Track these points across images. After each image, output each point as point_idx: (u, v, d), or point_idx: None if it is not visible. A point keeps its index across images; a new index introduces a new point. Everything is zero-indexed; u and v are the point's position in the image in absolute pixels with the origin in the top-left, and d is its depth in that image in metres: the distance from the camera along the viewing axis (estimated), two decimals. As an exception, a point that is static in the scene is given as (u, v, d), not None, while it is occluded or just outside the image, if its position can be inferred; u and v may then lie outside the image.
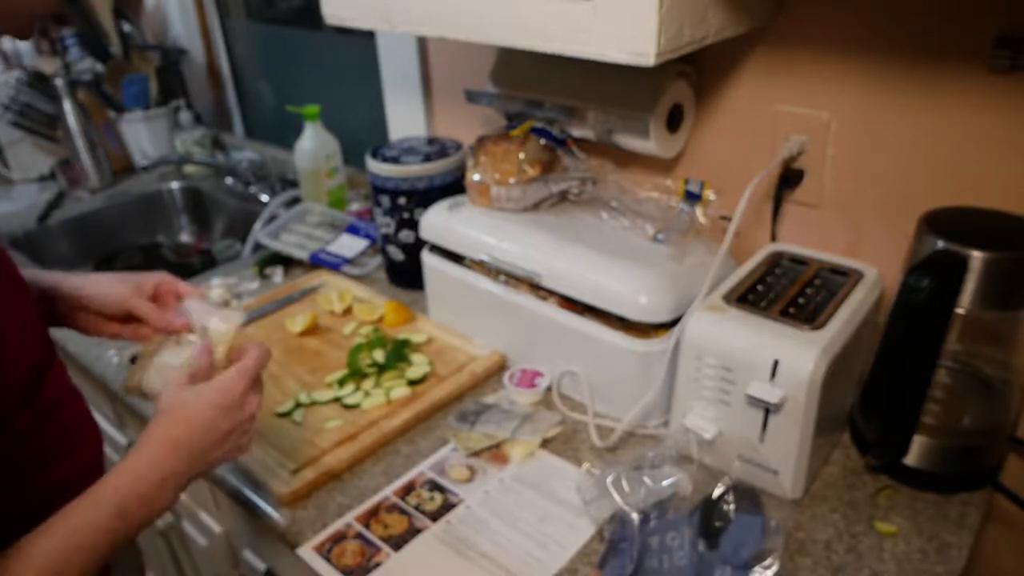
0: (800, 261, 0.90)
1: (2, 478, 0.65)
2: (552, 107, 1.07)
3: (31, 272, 0.79)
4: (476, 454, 0.90)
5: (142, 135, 1.92)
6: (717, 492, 0.76)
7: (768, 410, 0.78)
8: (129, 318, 0.82)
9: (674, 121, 1.03)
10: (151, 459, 0.64)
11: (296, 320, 1.15)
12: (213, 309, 0.79)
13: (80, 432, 0.76)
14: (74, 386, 0.76)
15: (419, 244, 1.15)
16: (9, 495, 0.66)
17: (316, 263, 1.32)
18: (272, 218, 1.47)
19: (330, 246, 1.35)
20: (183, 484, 0.66)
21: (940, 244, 0.74)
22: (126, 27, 1.91)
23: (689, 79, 1.02)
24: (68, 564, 0.58)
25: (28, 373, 0.67)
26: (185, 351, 0.77)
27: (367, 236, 1.36)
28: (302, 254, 1.34)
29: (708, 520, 0.74)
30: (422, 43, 1.38)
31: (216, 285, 1.28)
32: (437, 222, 1.09)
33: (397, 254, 1.24)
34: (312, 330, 1.15)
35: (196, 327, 0.78)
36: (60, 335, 0.96)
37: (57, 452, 0.71)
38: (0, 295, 0.66)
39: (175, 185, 1.88)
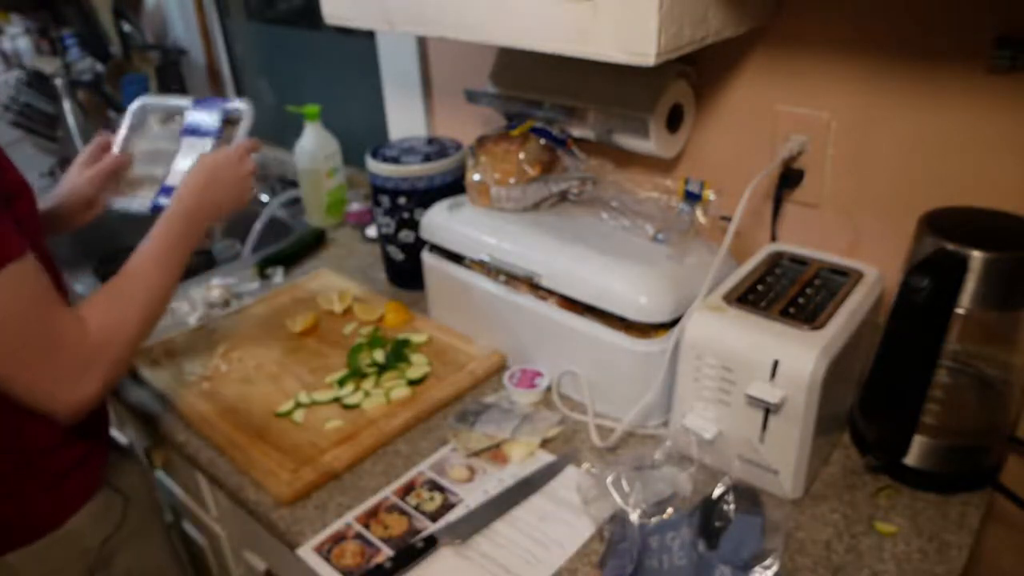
0: (800, 261, 0.90)
1: None
2: (552, 107, 1.07)
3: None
4: (476, 454, 0.90)
5: (142, 135, 1.91)
6: (717, 492, 0.76)
7: (768, 410, 0.78)
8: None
9: (674, 121, 1.03)
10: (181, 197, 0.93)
11: (296, 320, 1.15)
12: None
13: None
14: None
15: (419, 244, 1.15)
16: None
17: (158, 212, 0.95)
18: (272, 219, 1.46)
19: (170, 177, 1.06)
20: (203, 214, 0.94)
21: (940, 244, 0.74)
22: (126, 27, 1.91)
23: (689, 79, 1.02)
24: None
25: None
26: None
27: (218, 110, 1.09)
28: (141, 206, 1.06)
29: (708, 520, 0.74)
30: (422, 43, 1.38)
31: (216, 285, 1.28)
32: (437, 222, 1.09)
33: (397, 254, 1.24)
34: (312, 330, 1.15)
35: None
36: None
37: None
38: None
39: (175, 185, 1.88)
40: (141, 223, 0.95)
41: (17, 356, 0.74)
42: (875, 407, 0.82)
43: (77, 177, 1.05)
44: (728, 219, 0.89)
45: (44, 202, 0.99)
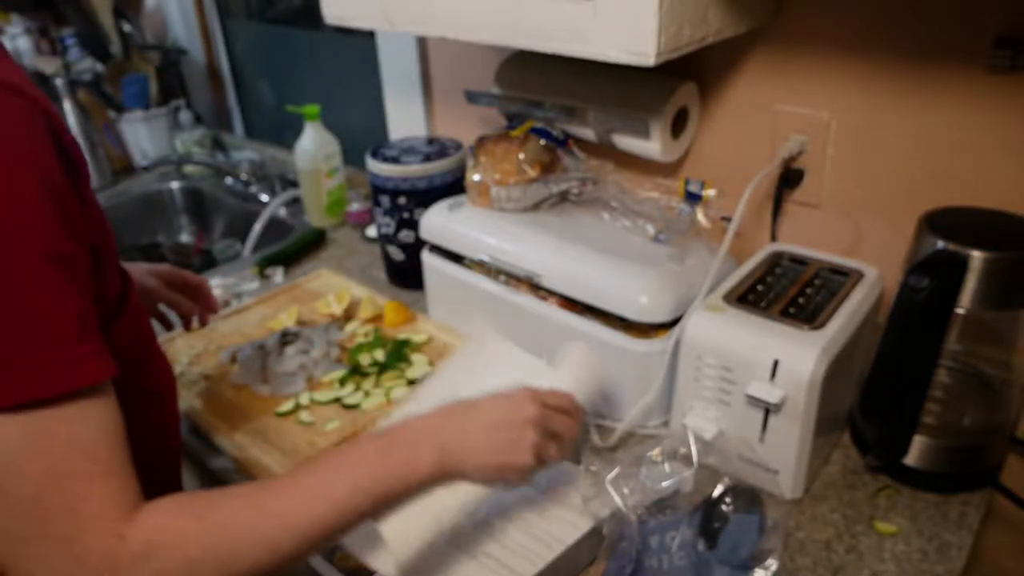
0: (800, 261, 0.90)
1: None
2: (552, 107, 1.07)
3: None
4: (476, 454, 0.90)
5: (142, 135, 1.92)
6: (717, 492, 0.76)
7: (768, 410, 0.78)
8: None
9: (678, 125, 1.03)
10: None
11: (280, 319, 1.15)
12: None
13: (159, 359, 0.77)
14: None
15: (419, 244, 1.15)
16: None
17: None
18: (272, 219, 1.46)
19: None
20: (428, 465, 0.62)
21: (940, 244, 0.74)
22: (126, 27, 1.91)
23: (698, 81, 1.02)
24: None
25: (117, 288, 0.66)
26: None
27: None
28: None
29: (708, 520, 0.74)
30: (422, 43, 1.38)
31: (216, 285, 1.28)
32: (437, 222, 1.09)
33: (397, 254, 1.24)
34: (312, 330, 1.15)
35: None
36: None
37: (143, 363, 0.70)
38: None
39: (175, 185, 1.88)
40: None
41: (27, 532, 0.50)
42: (875, 407, 0.83)
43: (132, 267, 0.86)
44: (728, 219, 0.89)
45: None
